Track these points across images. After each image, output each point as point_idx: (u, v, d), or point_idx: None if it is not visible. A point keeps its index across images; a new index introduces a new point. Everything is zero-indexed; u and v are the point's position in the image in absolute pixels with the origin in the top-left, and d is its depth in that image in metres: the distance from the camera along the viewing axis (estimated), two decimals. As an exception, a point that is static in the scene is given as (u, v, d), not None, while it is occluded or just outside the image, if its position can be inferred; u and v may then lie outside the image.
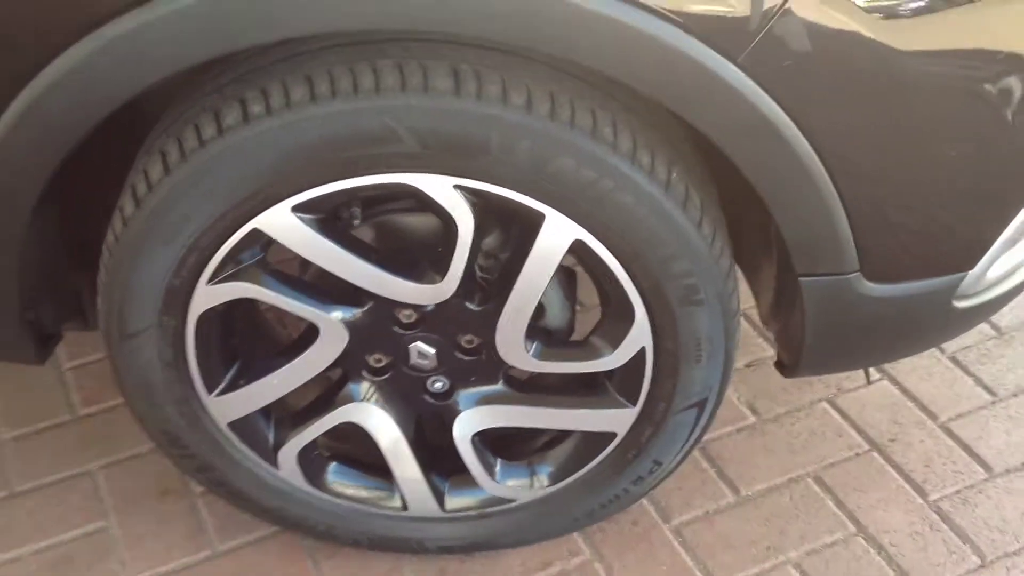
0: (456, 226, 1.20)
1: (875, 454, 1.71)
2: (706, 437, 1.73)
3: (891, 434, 1.74)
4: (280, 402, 1.41)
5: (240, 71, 1.18)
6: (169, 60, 1.08)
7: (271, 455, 1.43)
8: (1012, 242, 1.29)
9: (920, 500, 1.65)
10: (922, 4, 1.08)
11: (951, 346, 1.89)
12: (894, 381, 1.84)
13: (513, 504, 1.48)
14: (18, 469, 1.71)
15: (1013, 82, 1.14)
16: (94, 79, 1.09)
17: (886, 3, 1.07)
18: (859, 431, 1.75)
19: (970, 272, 1.28)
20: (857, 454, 1.71)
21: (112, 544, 1.61)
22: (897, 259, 1.25)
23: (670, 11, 1.05)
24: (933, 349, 1.88)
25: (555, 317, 1.35)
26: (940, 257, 1.27)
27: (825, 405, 1.80)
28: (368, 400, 1.39)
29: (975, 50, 1.12)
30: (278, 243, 1.23)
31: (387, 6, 1.05)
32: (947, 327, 1.39)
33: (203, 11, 1.05)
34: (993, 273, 1.31)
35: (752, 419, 1.77)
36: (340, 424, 1.40)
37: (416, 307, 1.31)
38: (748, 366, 1.85)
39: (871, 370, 1.80)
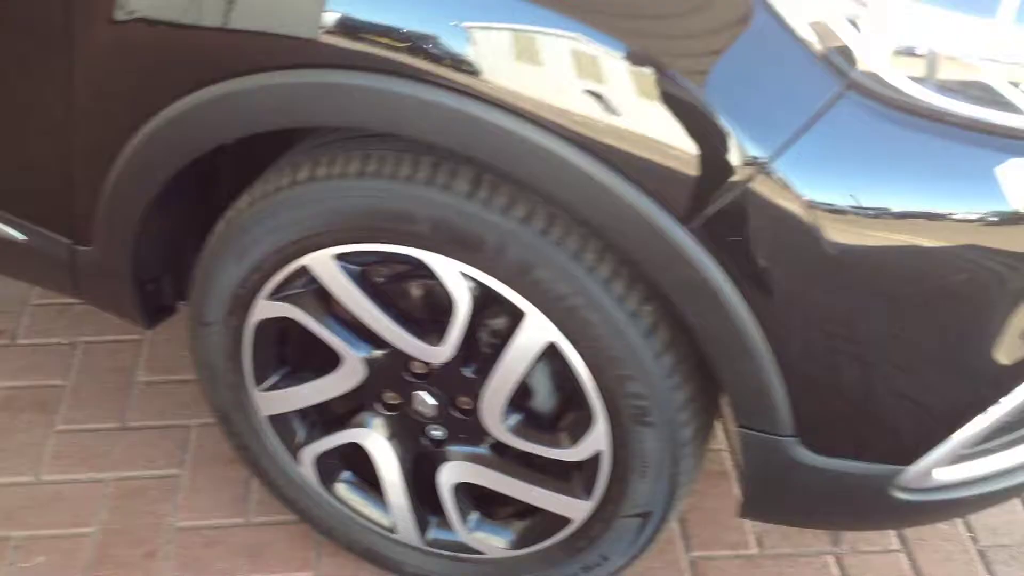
0: (455, 303, 1.41)
1: (848, 624, 1.75)
2: (703, 554, 1.85)
3: (874, 609, 1.77)
4: (319, 407, 1.66)
5: (328, 138, 1.45)
6: (242, 124, 1.37)
7: (295, 452, 1.68)
8: (966, 448, 1.33)
9: None
10: (869, 206, 1.18)
11: (986, 538, 1.88)
12: (911, 556, 1.84)
13: (482, 556, 1.66)
14: (137, 408, 2.07)
15: (957, 286, 1.21)
16: (193, 124, 1.39)
17: (831, 200, 1.18)
18: (846, 595, 1.78)
19: (909, 468, 1.33)
20: (832, 618, 1.75)
21: (177, 489, 1.92)
22: (833, 434, 1.33)
23: (633, 169, 1.22)
24: (966, 534, 1.88)
25: (540, 403, 1.52)
26: (876, 444, 1.34)
27: (830, 559, 1.84)
28: (376, 430, 1.62)
29: (915, 251, 1.20)
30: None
31: (410, 126, 1.29)
32: (891, 514, 1.43)
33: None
34: (945, 476, 1.35)
35: (754, 550, 1.85)
36: (351, 443, 1.64)
37: (424, 361, 1.52)
38: (768, 501, 1.91)
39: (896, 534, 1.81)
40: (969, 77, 1.15)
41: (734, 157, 1.18)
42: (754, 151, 1.17)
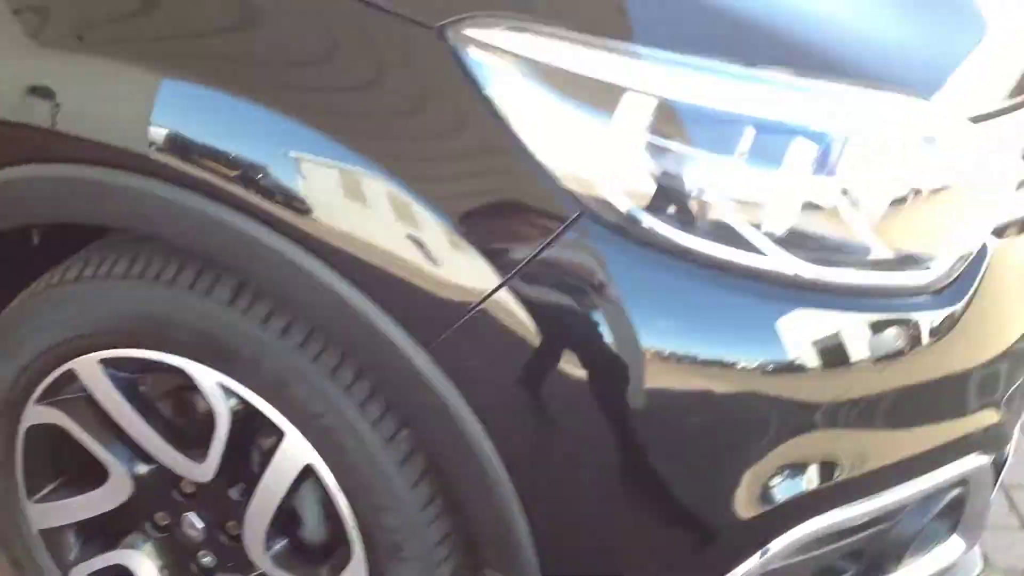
0: (216, 417, 1.35)
1: None
2: None
3: None
4: (91, 523, 1.56)
5: (113, 237, 1.41)
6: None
7: (65, 570, 1.57)
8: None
9: None
10: (596, 335, 1.13)
11: None
12: None
13: None
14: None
15: (676, 424, 1.16)
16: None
17: (560, 327, 1.15)
18: None
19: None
20: None
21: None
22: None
23: (376, 288, 1.18)
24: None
25: (310, 532, 1.43)
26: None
27: None
28: (146, 552, 1.52)
29: (648, 390, 1.15)
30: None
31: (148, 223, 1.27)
32: None
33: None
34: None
35: None
36: (117, 565, 1.54)
37: (191, 480, 1.44)
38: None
39: None
40: (708, 214, 1.14)
41: (469, 280, 1.15)
42: (486, 275, 1.15)
